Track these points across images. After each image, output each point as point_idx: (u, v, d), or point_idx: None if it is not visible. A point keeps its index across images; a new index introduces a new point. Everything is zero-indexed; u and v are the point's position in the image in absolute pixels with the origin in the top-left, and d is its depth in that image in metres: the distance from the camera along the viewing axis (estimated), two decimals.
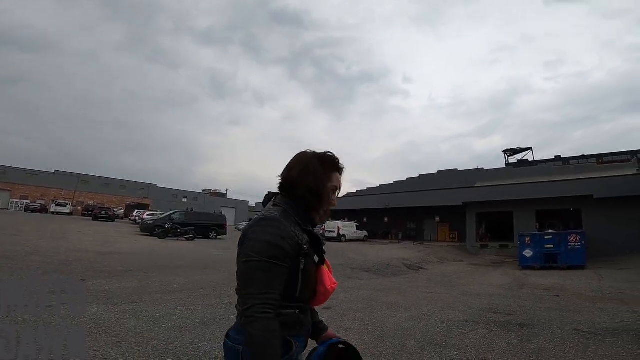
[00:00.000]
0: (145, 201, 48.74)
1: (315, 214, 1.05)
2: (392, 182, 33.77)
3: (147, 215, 26.59)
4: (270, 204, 1.03)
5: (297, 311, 0.97)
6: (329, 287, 1.01)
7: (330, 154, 1.08)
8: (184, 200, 53.48)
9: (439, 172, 32.38)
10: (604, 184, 17.83)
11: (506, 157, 42.31)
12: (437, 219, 26.76)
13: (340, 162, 1.09)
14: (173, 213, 21.03)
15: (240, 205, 60.03)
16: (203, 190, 65.40)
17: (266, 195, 1.09)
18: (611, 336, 3.63)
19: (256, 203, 46.74)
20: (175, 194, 54.76)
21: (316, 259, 1.01)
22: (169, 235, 17.46)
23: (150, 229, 18.42)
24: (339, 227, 24.38)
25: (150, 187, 52.99)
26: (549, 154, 46.58)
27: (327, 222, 26.17)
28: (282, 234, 0.91)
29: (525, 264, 13.19)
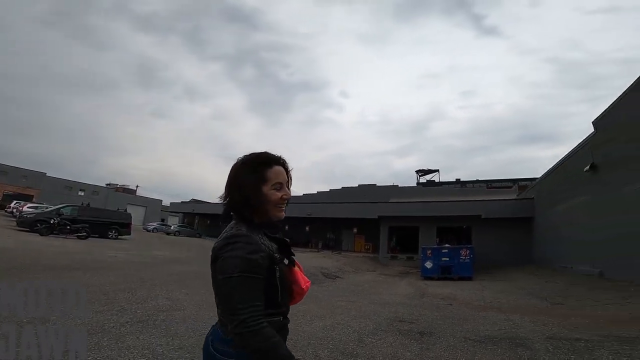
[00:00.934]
0: (29, 191, 40.76)
1: (273, 215, 1.05)
2: (316, 192, 34.55)
3: (27, 207, 22.24)
4: (233, 222, 1.04)
5: (281, 318, 1.01)
6: (303, 287, 1.04)
7: (255, 153, 1.08)
8: (81, 193, 46.26)
9: (359, 185, 34.27)
10: (490, 206, 20.92)
11: (418, 176, 47.00)
12: (355, 230, 28.12)
13: (271, 154, 1.08)
14: (63, 207, 18.07)
15: (152, 204, 54.30)
16: (107, 185, 57.47)
17: (225, 208, 1.08)
18: (492, 344, 4.11)
19: (171, 203, 42.92)
20: (69, 186, 46.96)
21: (286, 261, 1.04)
22: (55, 232, 15.09)
23: (30, 224, 15.39)
24: None
25: (37, 176, 44.34)
26: (451, 177, 53.23)
27: None
28: (253, 248, 0.94)
29: (426, 275, 14.49)
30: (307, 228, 29.21)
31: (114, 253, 11.52)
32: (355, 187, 33.97)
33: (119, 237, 18.78)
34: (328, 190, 35.23)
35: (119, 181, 61.47)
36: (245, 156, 1.08)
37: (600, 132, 11.01)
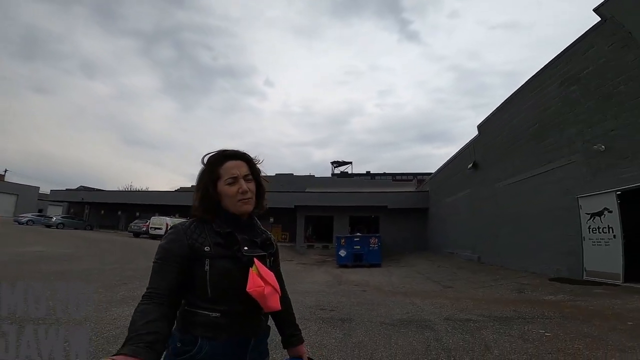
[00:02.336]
0: None
1: (235, 210, 1.10)
2: None
3: None
4: None
5: (214, 314, 1.00)
6: (250, 290, 0.99)
7: (213, 151, 1.14)
8: None
9: (277, 175, 34.27)
10: (394, 197, 23.33)
11: (333, 167, 49.35)
12: (272, 219, 28.16)
13: (226, 150, 1.13)
14: None
15: (25, 192, 44.43)
16: None
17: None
18: (403, 327, 4.70)
19: (52, 190, 36.03)
20: None
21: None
22: None
23: None
24: (167, 224, 21.93)
25: None
26: (363, 169, 57.41)
27: (153, 218, 23.43)
28: (173, 238, 1.03)
29: (341, 262, 15.39)
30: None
31: None
32: (273, 176, 33.83)
33: None
34: None
35: None
36: (205, 156, 1.14)
37: (482, 135, 13.20)
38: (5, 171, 47.98)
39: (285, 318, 1.28)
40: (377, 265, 14.92)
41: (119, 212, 31.75)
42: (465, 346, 3.69)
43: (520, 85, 10.40)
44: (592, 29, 7.49)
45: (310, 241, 24.65)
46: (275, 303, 1.06)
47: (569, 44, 8.18)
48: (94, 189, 37.79)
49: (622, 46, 6.72)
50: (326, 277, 11.42)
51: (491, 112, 12.44)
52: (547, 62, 9.05)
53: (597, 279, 6.82)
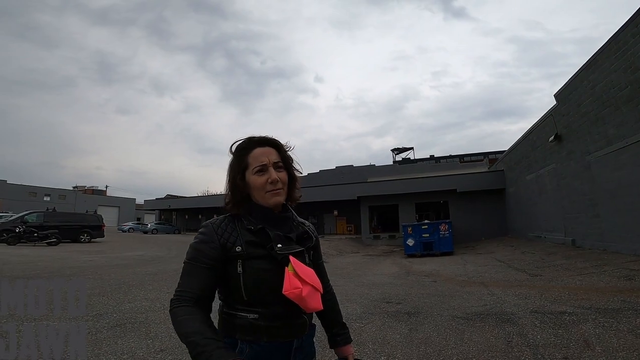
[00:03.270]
0: None
1: (265, 202, 1.01)
2: None
3: None
4: None
5: (253, 316, 0.94)
6: (286, 292, 0.91)
7: (240, 139, 1.06)
8: (47, 199, 43.81)
9: (337, 167, 34.34)
10: (464, 180, 21.55)
11: (394, 155, 47.78)
12: (335, 212, 28.35)
13: (253, 136, 1.05)
14: (27, 214, 17.13)
15: (125, 204, 52.18)
16: (74, 187, 54.53)
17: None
18: (480, 320, 4.23)
19: (145, 200, 41.39)
20: (33, 192, 44.27)
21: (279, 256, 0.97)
22: (22, 240, 14.67)
23: None
24: None
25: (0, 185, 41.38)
26: (426, 154, 54.55)
27: None
28: (204, 238, 0.96)
29: (409, 252, 14.84)
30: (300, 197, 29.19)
31: (88, 257, 11.03)
32: (333, 169, 34.02)
33: (92, 240, 18.22)
34: (306, 174, 35.09)
35: (87, 183, 58.54)
36: (232, 144, 1.06)
37: (561, 104, 11.43)
38: (107, 187, 56.61)
39: (330, 316, 1.19)
40: (449, 254, 14.01)
41: (200, 216, 35.11)
42: (558, 342, 3.15)
43: (599, 48, 8.94)
44: None
45: (376, 232, 24.21)
46: (316, 303, 0.96)
47: None
48: (178, 196, 42.36)
49: None
50: (394, 268, 11.05)
51: (569, 78, 10.72)
52: (627, 19, 7.68)
53: None
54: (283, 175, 1.03)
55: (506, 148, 20.78)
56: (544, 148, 12.91)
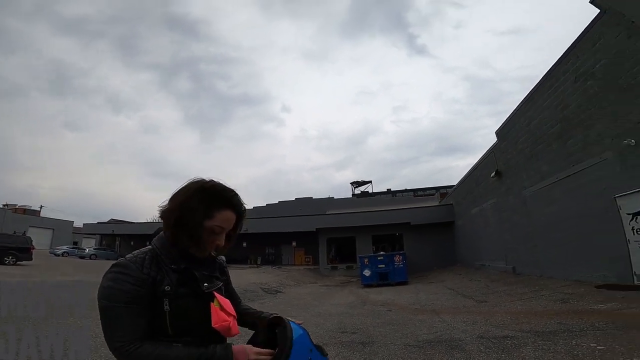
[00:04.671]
0: None
1: (194, 250, 0.99)
2: (252, 208, 33.62)
3: None
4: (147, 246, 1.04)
5: (176, 344, 0.93)
6: (215, 326, 0.95)
7: (222, 186, 1.03)
8: None
9: (296, 199, 34.34)
10: (417, 213, 22.59)
11: (353, 188, 48.86)
12: (294, 243, 27.92)
13: (235, 197, 1.04)
14: None
15: (60, 226, 46.83)
16: (4, 205, 48.14)
17: (157, 229, 1.07)
18: (430, 348, 4.27)
19: (85, 224, 37.72)
20: None
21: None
22: None
23: None
24: None
25: None
26: (383, 187, 56.69)
27: None
28: (125, 278, 0.91)
29: (366, 282, 14.91)
30: (244, 244, 28.19)
31: (16, 279, 9.64)
32: (293, 201, 33.95)
33: (18, 262, 16.40)
34: (265, 205, 34.56)
35: (19, 201, 51.88)
36: (210, 182, 1.02)
37: (501, 141, 12.66)
38: (41, 207, 50.82)
39: (248, 316, 1.20)
40: (404, 283, 14.29)
41: (147, 243, 32.51)
42: None
43: (533, 87, 10.03)
44: (595, 20, 7.20)
45: (333, 263, 24.08)
46: (236, 329, 1.02)
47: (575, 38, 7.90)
48: (123, 221, 39.09)
49: (629, 36, 6.40)
50: (350, 297, 10.97)
51: (507, 116, 12.02)
52: (556, 59, 8.70)
53: None
54: (226, 243, 1.06)
55: (455, 183, 22.31)
56: (487, 183, 14.03)
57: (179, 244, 0.99)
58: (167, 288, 0.94)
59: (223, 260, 1.20)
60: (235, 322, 1.02)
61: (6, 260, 15.97)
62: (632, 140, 6.53)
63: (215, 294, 1.02)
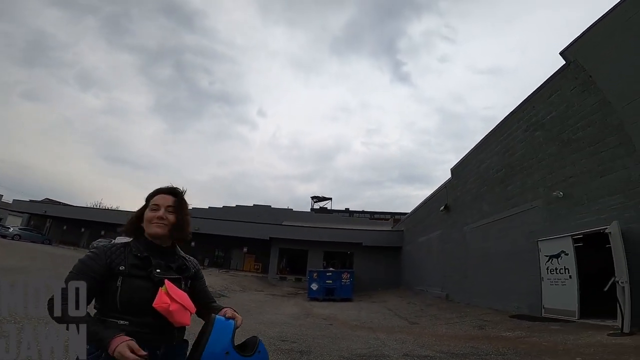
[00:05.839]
0: None
1: (148, 230, 1.27)
2: (207, 207, 32.62)
3: None
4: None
5: (123, 322, 1.12)
6: (155, 305, 1.13)
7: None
8: None
9: (254, 205, 33.93)
10: (370, 235, 23.44)
11: (312, 202, 49.30)
12: (245, 249, 27.42)
13: (166, 187, 1.36)
14: None
15: None
16: None
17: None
18: None
19: (14, 200, 34.02)
20: None
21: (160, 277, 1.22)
22: None
23: None
24: None
25: None
26: (343, 206, 57.67)
27: (119, 238, 22.32)
28: (93, 256, 1.18)
29: (312, 296, 15.09)
30: (193, 244, 27.11)
31: None
32: (250, 207, 33.48)
33: None
34: (221, 206, 33.71)
35: None
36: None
37: (454, 178, 13.68)
38: None
39: (211, 311, 1.30)
40: (349, 300, 14.70)
41: (83, 229, 30.05)
42: None
43: (490, 130, 10.80)
44: (557, 72, 7.79)
45: (283, 273, 24.02)
46: (183, 319, 1.18)
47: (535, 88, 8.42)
48: (59, 202, 35.88)
49: (583, 90, 6.98)
50: (295, 309, 11.10)
51: (463, 155, 12.97)
52: (515, 106, 9.33)
53: (554, 316, 6.99)
54: (172, 216, 1.28)
55: (409, 211, 23.53)
56: (436, 215, 15.04)
57: (140, 238, 1.29)
58: (121, 268, 1.17)
59: (193, 262, 1.42)
60: (187, 313, 1.19)
61: None
62: (561, 193, 7.36)
63: (167, 281, 1.19)
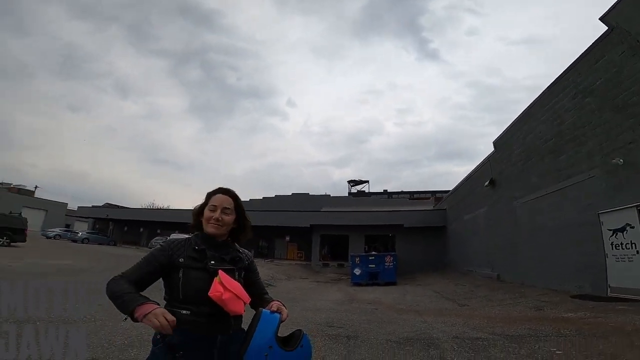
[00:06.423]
0: None
1: (205, 229, 1.38)
2: (248, 200, 33.81)
3: None
4: None
5: (185, 312, 1.23)
6: (210, 294, 1.20)
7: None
8: None
9: (293, 194, 34.54)
10: (411, 216, 22.93)
11: (350, 187, 49.16)
12: (287, 238, 28.20)
13: (223, 188, 1.46)
14: None
15: (53, 208, 46.65)
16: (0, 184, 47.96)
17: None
18: (409, 344, 4.57)
19: (79, 207, 37.75)
20: None
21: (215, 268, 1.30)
22: None
23: None
24: None
25: None
26: (380, 188, 56.94)
27: (173, 235, 24.02)
28: (160, 248, 1.34)
29: (356, 281, 15.21)
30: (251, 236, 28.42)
31: (6, 262, 9.83)
32: (289, 196, 34.15)
33: (12, 244, 16.31)
34: (261, 198, 34.76)
35: (15, 180, 51.61)
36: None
37: (498, 152, 12.92)
38: (36, 188, 50.64)
39: (263, 303, 1.42)
40: (393, 284, 14.60)
41: (141, 229, 32.71)
42: None
43: (533, 100, 10.15)
44: (601, 38, 7.29)
45: (325, 259, 24.43)
46: (237, 307, 1.25)
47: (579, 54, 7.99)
48: (118, 206, 39.22)
49: (633, 54, 6.48)
50: (339, 295, 11.26)
51: (505, 127, 12.22)
52: (557, 75, 8.81)
53: (621, 295, 6.39)
54: (228, 217, 1.39)
55: (451, 188, 22.64)
56: (481, 191, 14.32)
57: (199, 233, 1.40)
58: (180, 260, 1.29)
59: (247, 254, 1.51)
60: (240, 302, 1.26)
61: (0, 241, 15.99)
62: (621, 160, 6.71)
63: (221, 272, 1.27)
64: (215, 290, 1.22)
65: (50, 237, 28.43)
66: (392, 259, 15.51)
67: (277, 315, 1.27)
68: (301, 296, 10.21)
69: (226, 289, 1.22)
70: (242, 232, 1.48)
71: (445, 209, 21.30)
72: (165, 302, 1.30)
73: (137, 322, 1.10)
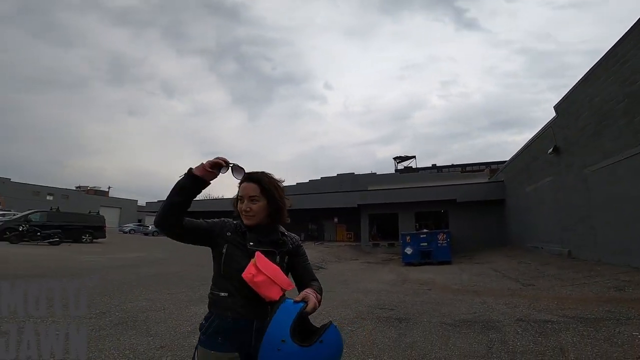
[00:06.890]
0: None
1: (239, 215, 1.40)
2: (295, 184, 34.51)
3: None
4: None
5: (223, 294, 1.28)
6: (243, 275, 1.19)
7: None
8: (49, 198, 44.18)
9: (338, 175, 34.47)
10: (464, 190, 21.61)
11: (396, 163, 47.81)
12: (336, 220, 28.41)
13: (245, 174, 1.38)
14: (31, 213, 17.41)
15: (126, 205, 52.61)
16: (77, 187, 54.97)
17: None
18: (466, 327, 4.33)
19: (147, 202, 41.68)
20: (37, 191, 44.67)
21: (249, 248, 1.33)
22: (25, 239, 14.78)
23: None
24: None
25: (4, 183, 41.68)
26: (429, 163, 54.58)
27: None
28: (220, 221, 1.42)
29: (407, 261, 14.85)
30: (288, 220, 29.30)
31: (90, 257, 11.18)
32: (334, 177, 34.16)
33: (94, 240, 18.46)
34: (307, 181, 35.25)
35: (90, 183, 58.82)
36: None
37: (560, 117, 11.55)
38: (109, 188, 57.00)
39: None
40: (447, 263, 14.02)
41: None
42: (535, 349, 3.26)
43: (598, 60, 8.99)
44: None
45: (375, 240, 24.24)
46: (270, 292, 1.19)
47: None
48: None
49: None
50: (390, 275, 11.12)
51: (567, 91, 10.88)
52: (626, 30, 7.65)
53: None
54: (256, 206, 1.35)
55: (507, 158, 20.87)
56: (544, 160, 12.99)
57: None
58: (228, 234, 1.35)
59: (294, 238, 1.50)
60: (271, 284, 1.20)
61: (83, 239, 18.07)
62: None
63: (258, 254, 1.26)
64: (248, 272, 1.20)
65: (125, 232, 32.13)
66: (445, 236, 14.85)
67: (300, 305, 1.12)
68: (352, 277, 10.25)
69: (260, 271, 1.19)
70: (274, 217, 1.40)
71: (503, 181, 19.72)
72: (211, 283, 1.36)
73: (198, 178, 1.28)
